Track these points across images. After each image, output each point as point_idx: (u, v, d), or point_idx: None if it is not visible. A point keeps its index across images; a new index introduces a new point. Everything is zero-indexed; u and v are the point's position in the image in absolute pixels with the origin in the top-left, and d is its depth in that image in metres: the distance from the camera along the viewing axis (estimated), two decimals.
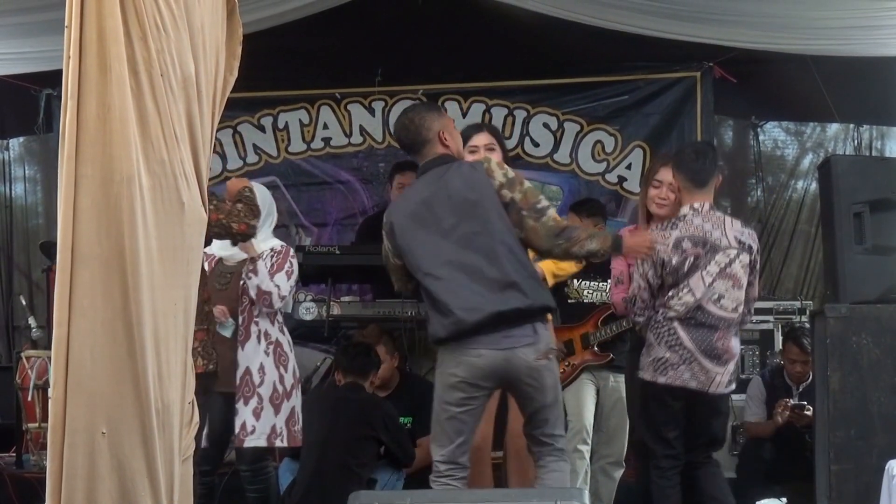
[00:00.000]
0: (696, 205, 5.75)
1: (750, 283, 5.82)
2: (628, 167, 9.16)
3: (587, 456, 6.77)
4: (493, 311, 4.99)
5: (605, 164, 9.16)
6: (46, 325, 8.41)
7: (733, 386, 5.80)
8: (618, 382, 6.67)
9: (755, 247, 5.83)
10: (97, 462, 3.53)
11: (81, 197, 3.51)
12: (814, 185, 9.52)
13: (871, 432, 5.84)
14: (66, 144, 3.52)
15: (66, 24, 3.56)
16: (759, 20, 7.34)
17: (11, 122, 10.21)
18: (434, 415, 5.22)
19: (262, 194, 6.28)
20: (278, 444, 6.30)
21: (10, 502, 7.31)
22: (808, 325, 7.36)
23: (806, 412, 7.08)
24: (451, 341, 5.09)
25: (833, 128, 10.00)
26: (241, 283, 6.20)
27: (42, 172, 10.40)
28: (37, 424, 7.70)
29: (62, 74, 3.55)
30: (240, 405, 6.14)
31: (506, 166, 5.29)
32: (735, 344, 5.76)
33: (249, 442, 6.16)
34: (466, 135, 5.89)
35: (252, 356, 6.17)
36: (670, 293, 5.68)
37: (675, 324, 5.67)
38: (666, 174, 6.01)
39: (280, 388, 6.22)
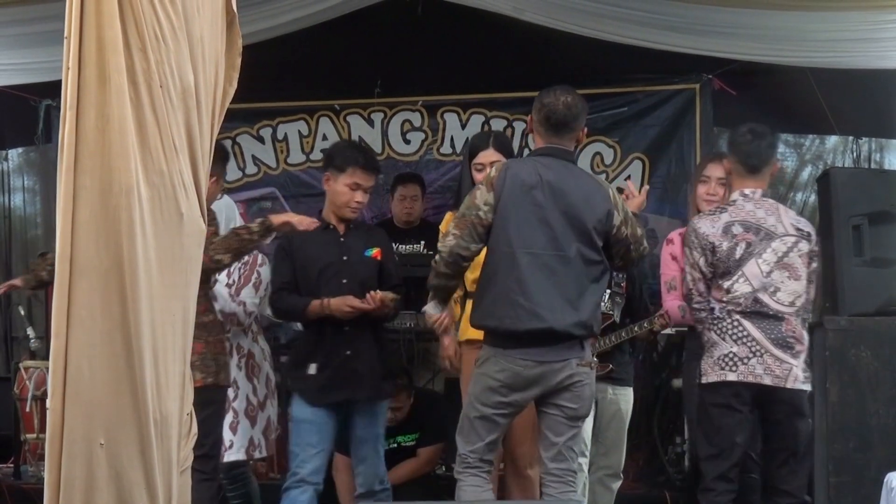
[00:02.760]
0: (747, 191, 5.55)
1: (810, 280, 5.56)
2: (627, 179, 9.15)
3: (585, 468, 6.75)
4: (550, 328, 5.04)
5: (603, 175, 9.16)
6: (45, 336, 8.41)
7: (810, 385, 5.56)
8: (616, 395, 6.65)
9: (814, 236, 5.60)
10: (95, 473, 3.52)
11: (80, 208, 3.51)
12: (813, 198, 9.52)
13: (870, 445, 5.84)
14: (64, 155, 3.52)
15: (65, 34, 3.56)
16: (758, 32, 7.34)
17: (10, 133, 10.23)
18: (465, 409, 5.26)
19: (218, 207, 6.23)
20: (257, 455, 6.30)
21: None
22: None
23: None
24: (498, 346, 5.12)
25: (832, 140, 10.00)
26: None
27: (41, 183, 10.40)
28: (35, 435, 7.70)
29: (61, 85, 3.55)
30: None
31: (618, 196, 5.31)
32: (805, 334, 5.51)
33: (229, 457, 6.14)
34: (474, 145, 5.90)
35: None
36: (725, 285, 5.46)
37: (738, 316, 5.44)
38: (714, 170, 5.97)
39: (254, 400, 6.22)
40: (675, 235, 6.08)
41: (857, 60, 7.34)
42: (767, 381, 5.38)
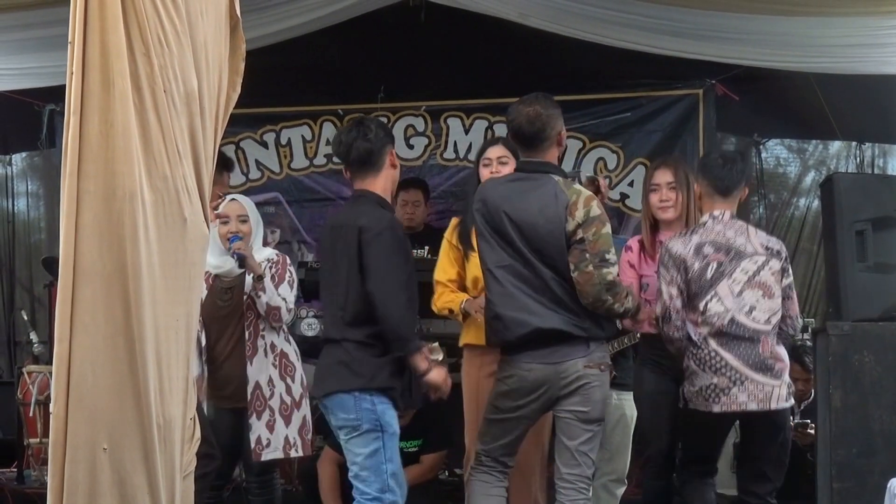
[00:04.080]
0: (716, 213, 5.57)
1: (787, 297, 5.55)
2: (630, 184, 9.17)
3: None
4: (539, 327, 5.09)
5: (607, 181, 9.15)
6: (48, 341, 8.42)
7: (792, 400, 5.55)
8: (621, 400, 6.64)
9: (784, 253, 5.60)
10: (98, 478, 3.52)
11: (84, 213, 3.51)
12: (816, 203, 9.52)
13: (873, 450, 5.83)
14: (68, 160, 3.52)
15: (69, 40, 3.56)
16: (761, 38, 7.34)
17: (14, 138, 10.25)
18: (484, 412, 5.40)
19: (248, 205, 6.32)
20: (293, 454, 6.27)
21: None
22: (810, 343, 7.35)
23: (808, 431, 7.06)
24: (506, 353, 5.25)
25: (835, 145, 10.01)
26: (245, 297, 6.17)
27: (44, 188, 10.43)
28: (38, 440, 7.71)
29: (65, 90, 3.55)
30: (253, 420, 6.10)
31: (593, 204, 5.17)
32: (783, 351, 5.50)
33: (266, 455, 6.13)
34: (484, 144, 5.96)
35: (260, 370, 6.14)
36: (700, 306, 5.46)
37: (714, 343, 5.42)
38: (661, 175, 5.97)
39: (288, 399, 6.19)
40: (633, 243, 6.07)
41: (860, 66, 7.34)
42: (753, 406, 5.39)
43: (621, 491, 6.81)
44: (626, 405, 6.60)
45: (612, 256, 5.13)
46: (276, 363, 6.20)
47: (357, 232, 5.24)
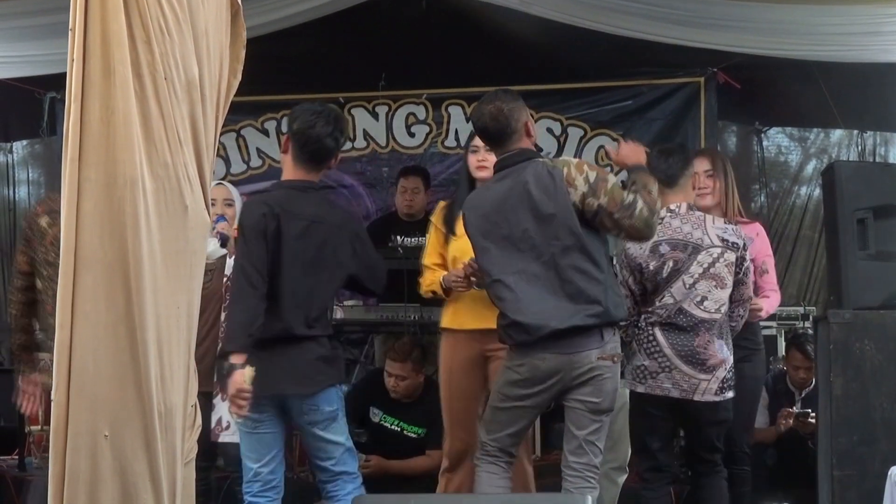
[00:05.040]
0: (672, 206, 5.67)
1: (741, 282, 5.71)
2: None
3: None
4: (557, 328, 5.02)
5: (608, 169, 9.15)
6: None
7: (730, 393, 5.68)
8: (623, 389, 6.65)
9: (741, 243, 5.70)
10: (100, 465, 3.53)
11: (85, 200, 3.51)
12: (817, 191, 9.53)
13: (874, 438, 5.83)
14: (69, 148, 3.52)
15: (70, 27, 3.56)
16: (762, 26, 7.34)
17: (15, 126, 10.25)
18: (491, 399, 5.31)
19: (235, 194, 6.32)
20: None
21: None
22: (811, 331, 7.35)
23: (810, 420, 7.06)
24: (519, 345, 5.15)
25: (837, 134, 10.00)
26: (224, 279, 6.14)
27: (45, 176, 10.42)
28: (39, 427, 7.70)
29: (66, 78, 3.55)
30: (217, 400, 6.01)
31: (586, 167, 5.14)
32: (720, 348, 5.63)
33: (224, 437, 6.07)
34: (471, 134, 5.93)
35: None
36: (656, 301, 5.63)
37: (656, 329, 5.62)
38: (699, 164, 6.04)
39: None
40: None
41: (862, 54, 7.34)
42: (675, 394, 5.60)
43: (622, 479, 6.82)
44: (627, 394, 6.62)
45: (628, 197, 5.07)
46: None
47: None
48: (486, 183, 5.39)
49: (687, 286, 5.57)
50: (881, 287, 6.05)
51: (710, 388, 5.59)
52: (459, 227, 5.55)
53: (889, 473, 5.49)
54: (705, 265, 5.59)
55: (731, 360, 5.66)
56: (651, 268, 5.60)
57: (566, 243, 5.05)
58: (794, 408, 7.35)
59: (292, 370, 5.22)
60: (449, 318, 5.77)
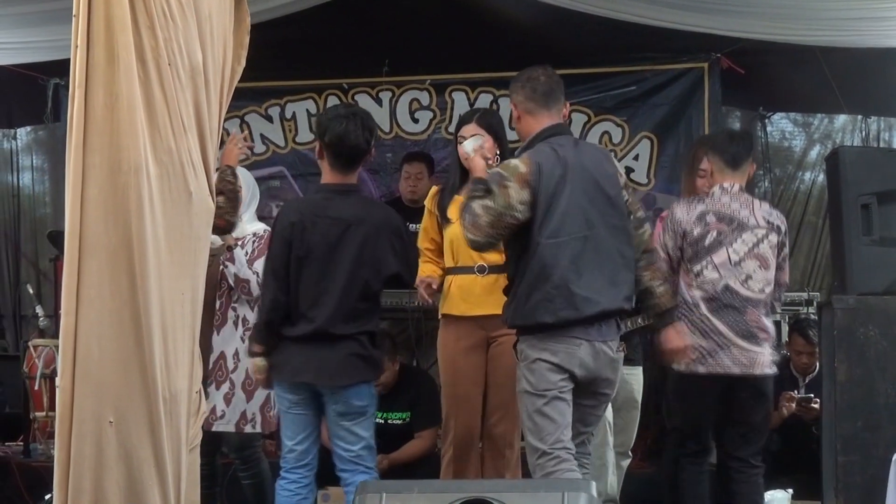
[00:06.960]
0: (725, 185, 5.81)
1: (780, 267, 5.85)
2: (635, 158, 9.15)
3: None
4: (604, 309, 4.91)
5: (612, 154, 9.15)
6: (54, 315, 8.43)
7: (775, 368, 5.84)
8: (627, 375, 6.64)
9: (784, 228, 5.88)
10: (105, 451, 3.54)
11: (89, 186, 3.52)
12: (821, 177, 9.50)
13: (878, 424, 5.83)
14: (73, 134, 3.52)
15: (73, 13, 3.56)
16: (766, 11, 7.33)
17: (19, 112, 10.24)
18: (527, 407, 4.97)
19: (245, 178, 6.28)
20: (248, 430, 6.18)
21: (18, 491, 7.33)
22: (815, 317, 7.35)
23: (813, 405, 7.06)
24: (546, 333, 4.90)
25: (841, 119, 9.98)
26: (220, 267, 6.15)
27: (50, 162, 10.41)
28: (44, 413, 7.72)
29: (70, 64, 3.55)
30: (211, 389, 6.03)
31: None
32: (769, 323, 5.78)
33: (217, 427, 6.09)
34: (461, 120, 5.94)
35: (227, 341, 6.11)
36: (695, 269, 5.71)
37: (704, 309, 5.69)
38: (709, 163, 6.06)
39: (254, 375, 6.16)
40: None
41: (865, 39, 7.34)
42: (736, 371, 5.67)
43: (626, 464, 6.84)
44: (634, 380, 6.64)
45: (642, 214, 5.26)
46: (245, 337, 6.16)
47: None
48: (541, 145, 5.11)
49: (732, 262, 5.69)
50: (885, 272, 6.04)
51: (765, 361, 5.71)
52: (453, 212, 5.54)
53: (893, 459, 5.49)
54: (750, 244, 5.73)
55: (773, 335, 5.82)
56: (695, 234, 5.72)
57: (616, 225, 5.02)
58: (797, 392, 7.35)
59: (325, 364, 5.33)
60: (450, 304, 5.75)
